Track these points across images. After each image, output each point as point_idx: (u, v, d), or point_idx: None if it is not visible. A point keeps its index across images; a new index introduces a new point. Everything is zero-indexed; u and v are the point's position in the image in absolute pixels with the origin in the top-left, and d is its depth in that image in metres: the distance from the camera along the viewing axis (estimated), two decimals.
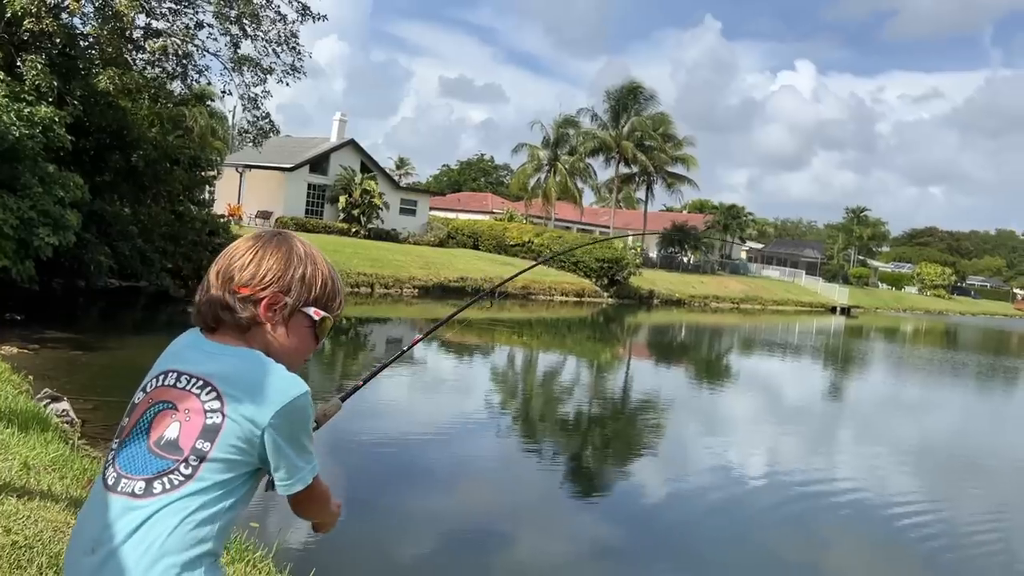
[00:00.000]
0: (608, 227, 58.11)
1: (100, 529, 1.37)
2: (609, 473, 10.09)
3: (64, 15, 16.11)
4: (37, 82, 14.70)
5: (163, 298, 19.97)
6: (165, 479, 1.38)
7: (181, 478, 1.37)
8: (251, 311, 1.48)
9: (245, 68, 19.14)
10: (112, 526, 1.36)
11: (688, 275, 56.37)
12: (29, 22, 14.40)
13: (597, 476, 9.91)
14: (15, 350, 11.73)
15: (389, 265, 32.37)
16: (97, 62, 17.12)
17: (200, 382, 1.43)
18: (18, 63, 15.00)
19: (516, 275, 3.60)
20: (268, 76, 19.25)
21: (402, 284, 31.54)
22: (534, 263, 4.11)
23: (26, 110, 14.23)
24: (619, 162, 55.98)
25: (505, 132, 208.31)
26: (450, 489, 8.54)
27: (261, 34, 19.10)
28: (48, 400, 8.06)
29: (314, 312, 1.53)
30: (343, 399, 1.96)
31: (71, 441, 6.26)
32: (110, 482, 1.42)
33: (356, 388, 2.04)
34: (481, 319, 28.69)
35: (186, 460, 1.38)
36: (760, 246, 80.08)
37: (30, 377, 8.48)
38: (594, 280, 41.33)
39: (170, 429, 1.41)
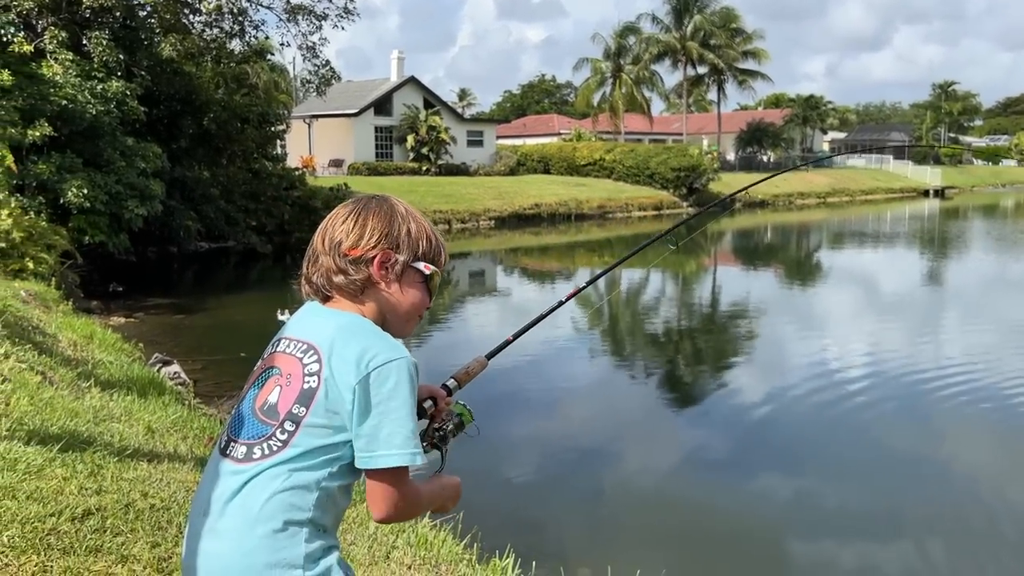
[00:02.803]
0: (681, 134, 56.57)
1: (210, 492, 1.40)
2: (706, 383, 10.01)
3: None
4: (105, 58, 15.02)
5: (251, 255, 20.56)
6: (264, 444, 1.38)
7: (278, 444, 1.38)
8: (364, 272, 1.47)
9: (300, 17, 19.09)
10: (218, 489, 1.39)
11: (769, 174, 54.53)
12: None
13: (694, 387, 9.86)
14: (122, 320, 12.31)
15: (463, 199, 32.41)
16: (158, 31, 17.36)
17: (304, 346, 1.43)
18: (84, 41, 15.33)
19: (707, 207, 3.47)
20: (323, 22, 19.16)
21: (478, 217, 31.60)
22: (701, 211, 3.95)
23: (99, 87, 14.60)
24: (686, 65, 54.07)
25: (566, 48, 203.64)
26: (547, 411, 8.64)
27: None
28: (160, 364, 8.44)
29: (424, 267, 1.52)
30: (489, 356, 1.87)
31: (187, 402, 6.55)
32: (222, 444, 1.45)
33: (506, 343, 1.98)
34: (559, 243, 28.59)
35: (281, 425, 1.38)
36: (843, 135, 76.75)
37: (140, 344, 8.88)
38: (671, 190, 40.45)
39: (272, 394, 1.42)
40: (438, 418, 1.66)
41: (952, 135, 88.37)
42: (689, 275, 21.48)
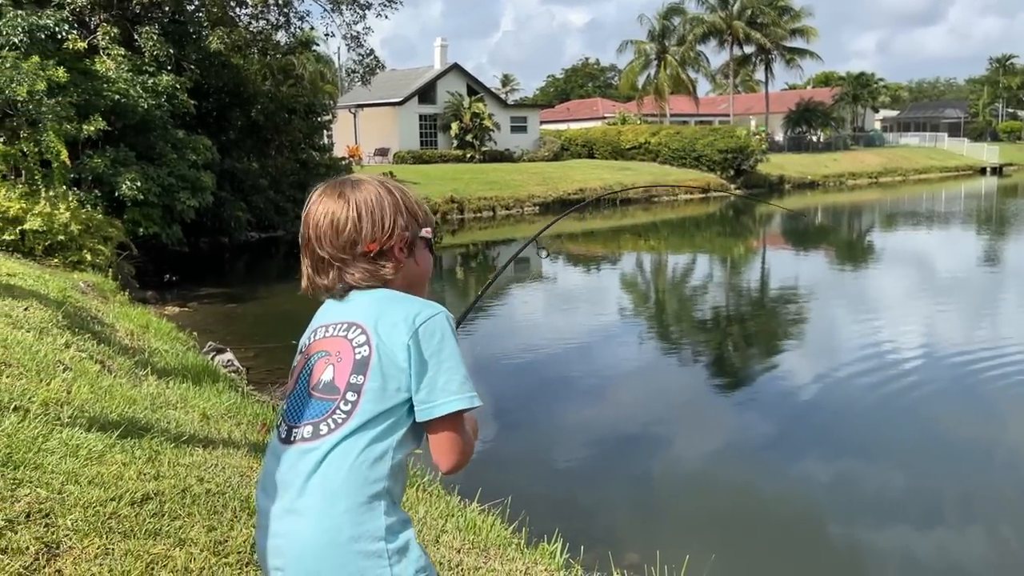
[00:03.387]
0: (727, 115, 55.70)
1: (280, 478, 1.42)
2: (754, 367, 9.90)
3: None
4: (155, 52, 15.32)
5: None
6: (329, 420, 1.41)
7: (343, 415, 1.40)
8: (388, 261, 1.50)
9: (344, 6, 19.21)
10: (290, 473, 1.41)
11: (819, 154, 53.45)
12: None
13: (741, 371, 9.75)
14: (176, 309, 12.60)
15: (507, 186, 32.41)
16: (205, 24, 17.62)
17: (345, 324, 1.48)
18: (135, 37, 15.64)
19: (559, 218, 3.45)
20: (366, 11, 19.26)
21: (522, 203, 31.57)
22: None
23: (149, 81, 14.90)
24: (732, 44, 53.17)
25: (610, 31, 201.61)
26: (593, 395, 8.62)
27: None
28: (213, 352, 8.63)
29: (427, 232, 1.58)
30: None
31: (240, 388, 6.68)
32: (282, 435, 1.47)
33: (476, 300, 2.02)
34: (605, 227, 28.43)
35: (344, 396, 1.42)
36: (895, 113, 74.78)
37: (194, 333, 9.08)
38: (719, 173, 39.89)
39: (326, 372, 1.45)
40: None
41: (1010, 110, 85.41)
42: (737, 258, 21.21)
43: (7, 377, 3.57)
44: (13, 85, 11.37)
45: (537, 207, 31.75)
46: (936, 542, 5.33)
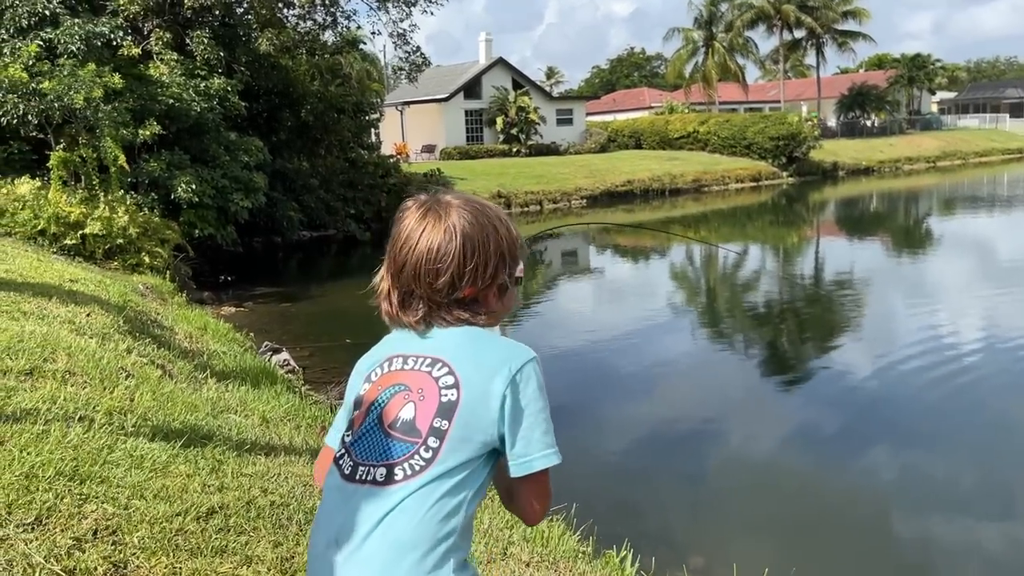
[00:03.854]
0: (778, 101, 54.62)
1: (343, 520, 1.32)
2: (814, 360, 9.66)
3: None
4: (206, 56, 15.52)
5: (351, 242, 21.01)
6: (406, 464, 1.31)
7: (422, 462, 1.30)
8: (485, 306, 1.43)
9: (390, 4, 19.24)
10: (355, 517, 1.30)
11: (874, 139, 52.09)
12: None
13: (802, 364, 9.54)
14: (232, 309, 12.76)
15: (554, 179, 32.22)
16: (254, 26, 17.80)
17: (429, 360, 1.37)
18: (187, 41, 15.87)
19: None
20: (412, 8, 19.26)
21: (569, 196, 31.36)
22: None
23: (201, 85, 15.10)
24: (782, 29, 52.09)
25: (656, 20, 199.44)
26: (649, 392, 8.48)
27: None
28: (270, 352, 8.69)
29: (520, 271, 1.47)
30: None
31: (297, 390, 6.70)
32: (347, 471, 1.36)
33: None
34: (655, 219, 28.08)
35: (425, 442, 1.32)
36: (952, 95, 72.55)
37: (251, 334, 9.15)
38: (770, 160, 39.12)
39: (405, 410, 1.35)
40: None
41: None
42: (791, 248, 20.79)
43: (72, 386, 3.58)
44: (71, 92, 11.60)
45: (584, 200, 31.53)
46: (1015, 539, 5.09)
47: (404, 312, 1.41)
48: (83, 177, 12.57)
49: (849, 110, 57.36)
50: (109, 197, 12.76)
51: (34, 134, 12.79)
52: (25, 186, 12.42)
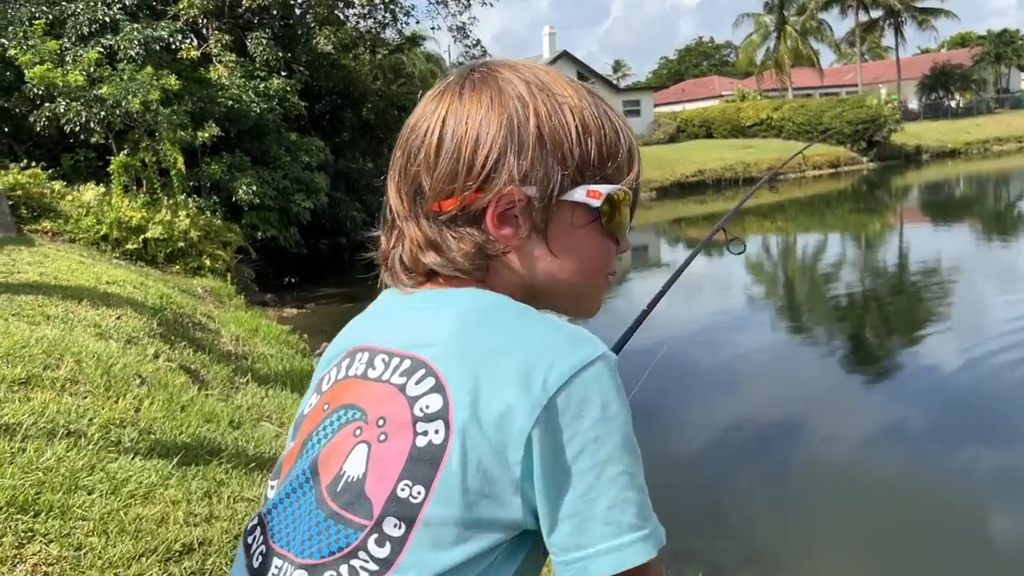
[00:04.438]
0: (855, 85, 52.50)
1: None
2: (899, 353, 9.00)
3: None
4: (265, 57, 15.44)
5: None
6: (344, 567, 0.73)
7: (374, 566, 0.72)
8: (474, 238, 0.81)
9: None
10: None
11: (959, 120, 49.53)
12: (247, 0, 15.07)
13: (888, 358, 8.88)
14: (294, 311, 12.60)
15: None
16: (313, 25, 17.70)
17: (406, 362, 0.78)
18: (246, 42, 15.83)
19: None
20: (470, 1, 18.93)
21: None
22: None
23: (261, 86, 15.01)
24: (857, 9, 50.06)
25: (725, 8, 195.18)
26: (723, 390, 7.90)
27: None
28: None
29: (588, 193, 0.81)
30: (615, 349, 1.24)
31: None
32: (255, 561, 0.81)
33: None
34: (727, 210, 27.12)
35: (378, 526, 0.72)
36: None
37: (305, 336, 8.88)
38: (849, 146, 37.48)
39: (352, 461, 0.76)
40: None
41: None
42: (872, 235, 19.75)
43: (70, 395, 3.24)
44: (128, 96, 11.58)
45: (654, 192, 30.69)
46: None
47: (386, 243, 0.87)
48: (144, 182, 12.58)
49: (932, 91, 54.77)
50: (170, 201, 12.74)
51: (97, 140, 12.86)
52: (90, 192, 12.48)
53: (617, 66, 78.15)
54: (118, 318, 4.98)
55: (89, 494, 2.36)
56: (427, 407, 0.74)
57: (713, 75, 68.98)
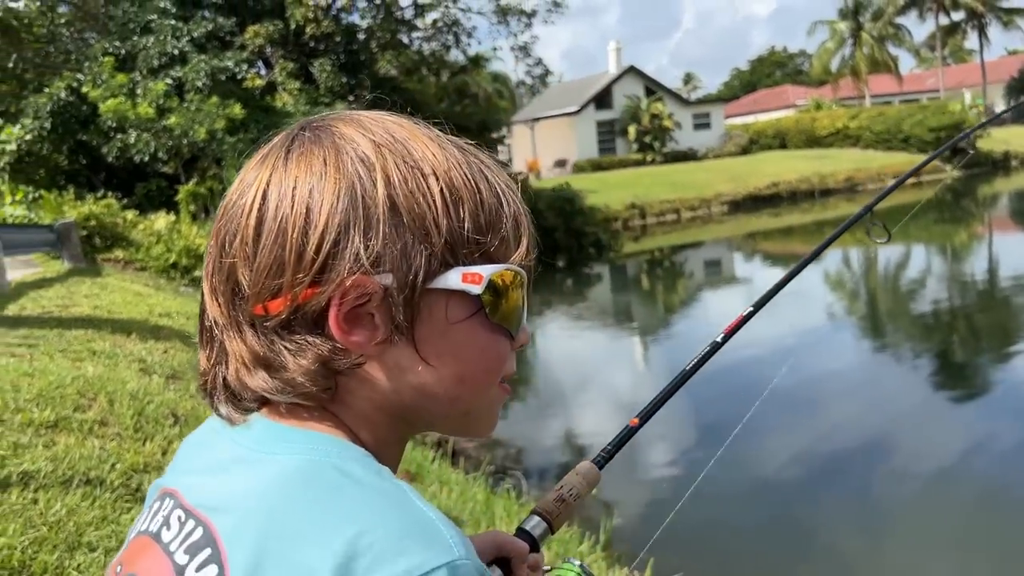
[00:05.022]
0: (937, 90, 50.60)
1: None
2: (990, 369, 8.40)
3: (341, 14, 16.98)
4: (329, 83, 15.65)
5: None
6: None
7: None
8: (315, 348, 0.60)
9: (509, 17, 18.92)
10: None
11: None
12: (311, 28, 15.30)
13: (975, 374, 8.34)
14: None
15: (691, 186, 30.85)
16: (376, 50, 17.90)
17: (197, 531, 0.60)
18: (311, 70, 16.09)
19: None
20: (532, 19, 18.86)
21: (709, 203, 29.90)
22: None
23: (325, 111, 15.21)
24: (937, 12, 48.27)
25: (799, 16, 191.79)
26: (804, 407, 7.49)
27: None
28: None
29: (464, 277, 0.61)
30: (601, 464, 0.98)
31: None
32: None
33: (627, 436, 1.03)
34: (804, 222, 26.26)
35: None
36: None
37: None
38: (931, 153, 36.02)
39: None
40: None
41: None
42: (959, 246, 18.81)
43: (97, 438, 3.15)
44: (195, 126, 11.83)
45: (726, 206, 29.99)
46: None
47: (215, 370, 0.65)
48: (211, 209, 12.85)
49: (1020, 94, 52.33)
50: None
51: (168, 170, 13.21)
52: (161, 221, 12.80)
53: (687, 79, 77.20)
54: (165, 352, 4.94)
55: (91, 551, 2.22)
56: None
57: (786, 85, 67.49)
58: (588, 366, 10.42)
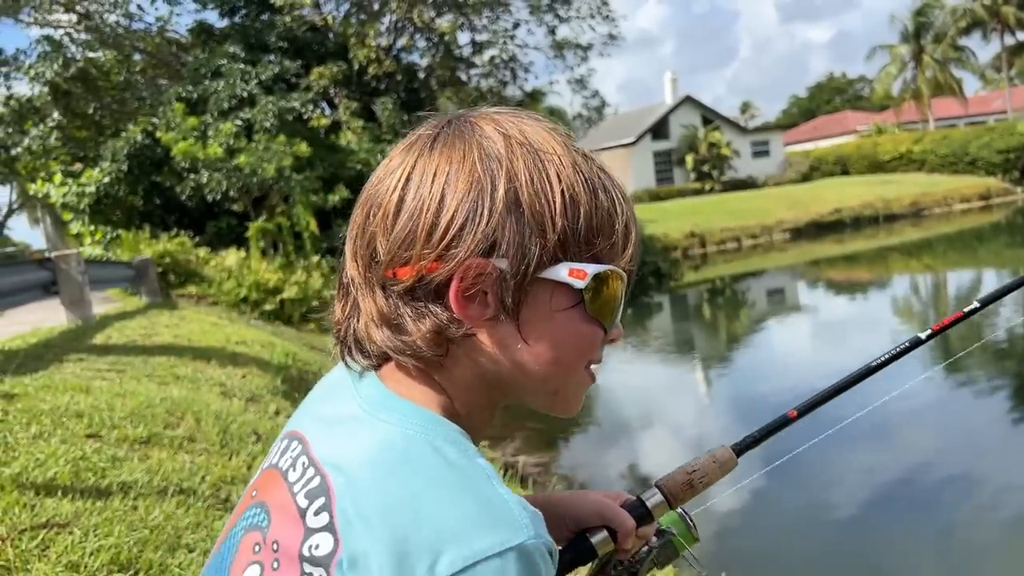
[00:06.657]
0: (1004, 111, 49.28)
1: None
2: None
3: (401, 53, 17.47)
4: (391, 121, 16.07)
5: None
6: None
7: None
8: (435, 316, 0.70)
9: (565, 51, 19.20)
10: None
11: None
12: (373, 68, 15.77)
13: None
14: None
15: (752, 214, 30.56)
16: (436, 88, 18.33)
17: (315, 480, 0.69)
18: (373, 108, 16.55)
19: None
20: (588, 52, 19.09)
21: (770, 230, 29.56)
22: None
23: (387, 149, 15.64)
24: (1003, 33, 47.17)
25: (858, 41, 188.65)
26: (872, 438, 7.31)
27: (574, 13, 19.03)
28: None
29: (571, 272, 0.70)
30: (740, 451, 0.98)
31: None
32: None
33: (779, 425, 1.03)
34: (868, 249, 25.75)
35: None
36: None
37: None
38: (1000, 176, 35.05)
39: None
40: (622, 553, 0.89)
41: None
42: None
43: (187, 453, 3.32)
44: (263, 164, 12.27)
45: (788, 233, 29.60)
46: None
47: (347, 323, 0.77)
48: (280, 245, 13.25)
49: None
50: (304, 262, 13.32)
51: (238, 208, 13.69)
52: (232, 257, 13.25)
53: (745, 107, 76.65)
54: (243, 377, 5.14)
55: (190, 552, 2.36)
56: (316, 548, 0.65)
57: (846, 110, 66.53)
58: (650, 397, 10.38)
